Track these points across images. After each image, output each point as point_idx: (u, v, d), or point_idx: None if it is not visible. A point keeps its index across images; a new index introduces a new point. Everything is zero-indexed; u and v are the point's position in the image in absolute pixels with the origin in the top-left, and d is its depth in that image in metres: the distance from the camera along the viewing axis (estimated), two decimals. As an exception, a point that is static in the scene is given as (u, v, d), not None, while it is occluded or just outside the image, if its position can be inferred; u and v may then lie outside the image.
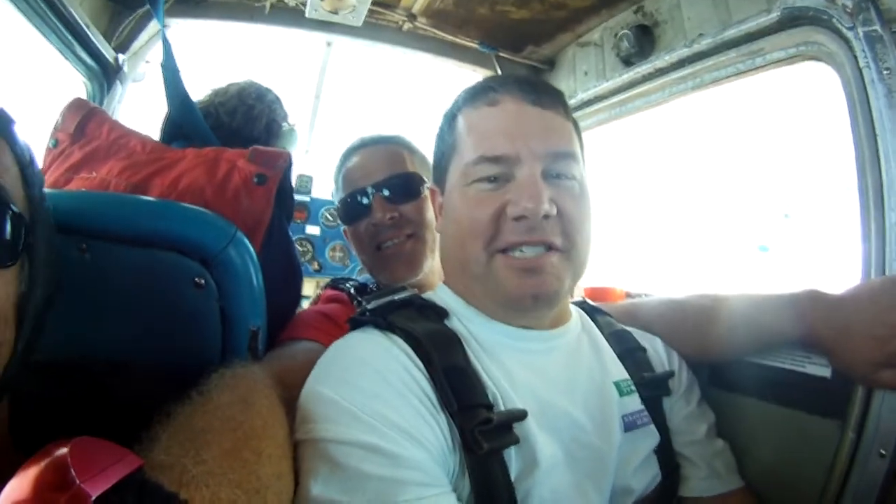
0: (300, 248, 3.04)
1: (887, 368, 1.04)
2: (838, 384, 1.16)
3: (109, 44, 2.18)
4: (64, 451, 0.51)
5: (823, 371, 1.20)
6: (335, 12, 2.34)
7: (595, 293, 2.08)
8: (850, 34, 1.32)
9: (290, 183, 1.38)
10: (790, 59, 1.60)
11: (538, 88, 1.11)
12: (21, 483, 0.48)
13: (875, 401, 1.11)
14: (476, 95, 1.14)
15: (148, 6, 1.60)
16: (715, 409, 1.27)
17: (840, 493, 1.14)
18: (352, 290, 1.67)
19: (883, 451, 1.09)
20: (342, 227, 1.79)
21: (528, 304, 1.02)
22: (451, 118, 1.17)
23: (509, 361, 1.03)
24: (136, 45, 2.27)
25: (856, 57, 1.31)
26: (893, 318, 1.03)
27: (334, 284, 1.77)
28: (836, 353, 1.12)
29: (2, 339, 0.61)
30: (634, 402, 1.13)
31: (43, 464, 0.50)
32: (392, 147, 1.71)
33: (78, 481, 0.48)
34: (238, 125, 1.55)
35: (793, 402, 1.26)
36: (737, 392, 1.34)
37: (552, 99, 1.11)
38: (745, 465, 1.23)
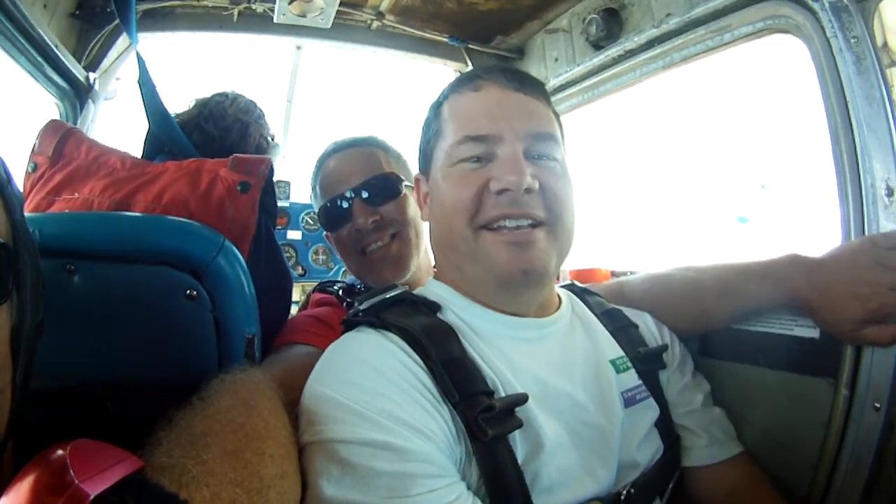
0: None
1: (871, 325, 1.08)
2: (827, 344, 1.19)
3: (79, 62, 2.15)
4: (63, 452, 0.51)
5: (812, 332, 1.23)
6: (303, 15, 2.33)
7: (581, 275, 2.09)
8: (815, 5, 1.34)
9: (273, 189, 1.37)
10: (758, 33, 1.61)
11: (521, 76, 1.14)
12: (19, 487, 0.48)
13: (865, 356, 1.14)
14: (461, 83, 1.16)
15: (117, 21, 1.57)
16: (708, 378, 1.30)
17: (839, 448, 1.17)
18: (340, 293, 1.67)
19: (877, 405, 1.12)
20: (324, 233, 1.77)
21: (519, 278, 1.03)
22: (436, 107, 1.19)
23: (506, 348, 1.04)
24: (105, 62, 2.25)
25: (823, 27, 1.33)
26: (873, 276, 1.06)
27: (322, 288, 1.77)
28: (820, 313, 1.15)
29: (3, 384, 0.59)
30: (632, 378, 1.15)
31: (41, 466, 0.50)
32: (367, 149, 1.69)
33: (76, 481, 0.48)
34: (232, 143, 1.55)
35: (784, 364, 1.29)
36: (728, 360, 1.37)
37: (534, 87, 1.14)
38: (742, 430, 1.25)
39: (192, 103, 1.62)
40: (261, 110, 1.69)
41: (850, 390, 1.16)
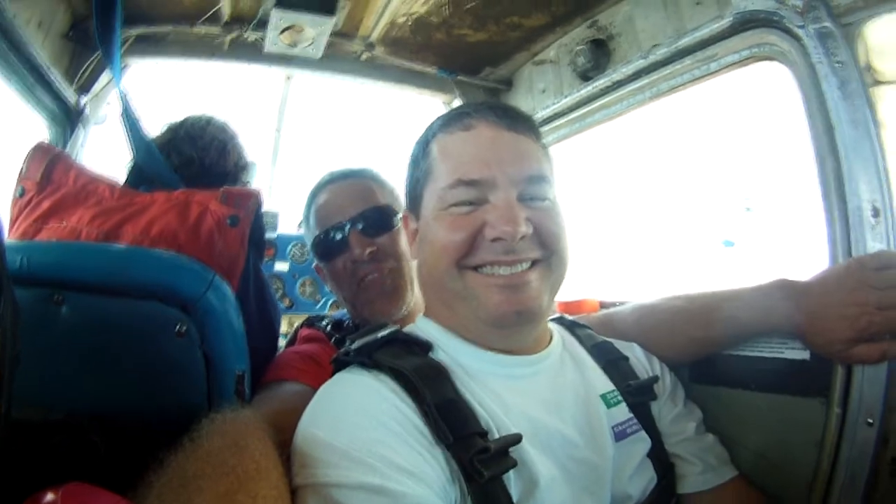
0: (270, 286, 2.99)
1: (860, 344, 1.09)
2: (818, 364, 1.21)
3: (71, 85, 2.14)
4: (54, 497, 0.50)
5: (802, 354, 1.24)
6: (294, 45, 2.34)
7: (569, 307, 2.09)
8: (801, 32, 1.37)
9: (262, 222, 1.37)
10: (744, 62, 1.64)
11: (512, 114, 1.13)
12: None
13: (856, 374, 1.16)
14: (450, 121, 1.15)
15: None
16: (700, 405, 1.31)
17: (833, 465, 1.18)
18: (328, 328, 1.66)
19: (870, 420, 1.14)
20: (313, 263, 1.76)
21: (512, 320, 1.03)
22: (424, 144, 1.18)
23: (498, 387, 1.03)
24: (97, 86, 2.24)
25: (808, 54, 1.35)
26: (860, 297, 1.08)
27: (310, 323, 1.75)
28: (810, 336, 1.17)
29: None
30: (622, 412, 1.15)
31: None
32: (361, 181, 1.69)
33: None
34: (211, 161, 1.54)
35: (776, 387, 1.29)
36: (720, 385, 1.37)
37: (525, 125, 1.13)
38: (736, 454, 1.26)
39: (165, 127, 1.60)
40: (234, 130, 1.68)
41: (843, 408, 1.18)
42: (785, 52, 1.45)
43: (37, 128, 2.15)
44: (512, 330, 1.07)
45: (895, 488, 1.13)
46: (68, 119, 2.21)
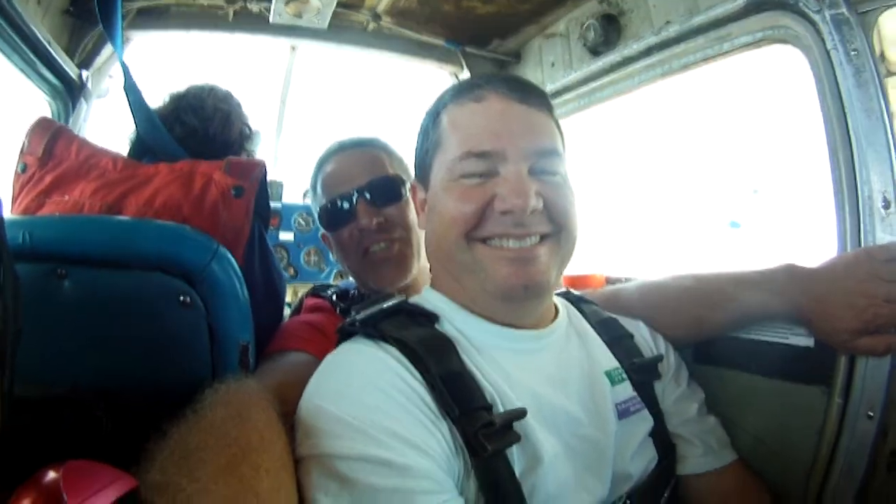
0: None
1: (865, 335, 1.10)
2: (822, 352, 1.21)
3: (72, 60, 2.12)
4: (56, 475, 0.50)
5: (807, 341, 1.24)
6: (299, 16, 2.31)
7: (575, 281, 2.08)
8: (817, 17, 1.34)
9: (267, 192, 1.36)
10: (757, 43, 1.61)
11: (524, 87, 1.11)
12: None
13: (859, 365, 1.16)
14: (462, 92, 1.13)
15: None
16: (703, 385, 1.31)
17: (831, 455, 1.19)
18: (334, 298, 1.66)
19: (871, 413, 1.14)
20: (320, 232, 1.76)
21: (520, 293, 1.02)
22: (434, 115, 1.16)
23: (503, 361, 1.03)
24: (99, 60, 2.21)
25: (823, 39, 1.33)
26: (868, 287, 1.08)
27: (315, 293, 1.75)
28: (816, 323, 1.17)
29: None
30: (626, 390, 1.15)
31: (35, 489, 0.49)
32: (370, 150, 1.68)
33: None
34: (215, 131, 1.52)
35: (779, 372, 1.30)
36: (723, 367, 1.38)
37: (538, 98, 1.11)
38: (736, 437, 1.26)
39: (167, 98, 1.58)
40: (238, 99, 1.66)
41: (844, 398, 1.18)
42: (800, 37, 1.42)
43: (38, 103, 2.14)
44: (519, 304, 1.06)
45: (893, 481, 1.14)
46: (70, 94, 2.19)
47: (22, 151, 1.31)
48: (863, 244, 1.25)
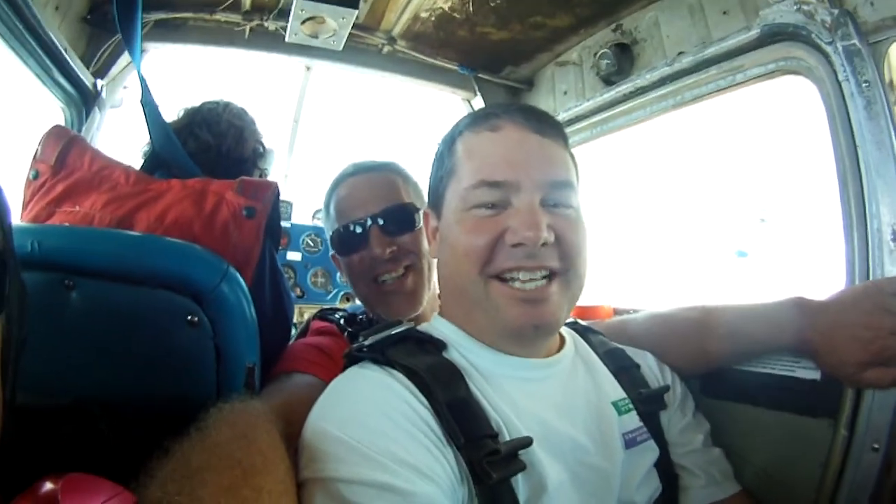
0: (282, 276, 3.00)
1: (872, 368, 1.09)
2: (829, 385, 1.20)
3: (88, 69, 2.14)
4: (54, 487, 0.50)
5: (813, 374, 1.23)
6: (315, 36, 2.33)
7: (583, 312, 2.08)
8: (829, 48, 1.35)
9: (279, 214, 1.35)
10: (770, 75, 1.62)
11: (541, 117, 1.11)
12: None
13: (865, 398, 1.16)
14: (477, 121, 1.13)
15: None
16: (708, 417, 1.29)
17: (836, 488, 1.18)
18: (341, 322, 1.64)
19: (876, 445, 1.14)
20: (330, 252, 1.73)
21: (530, 333, 1.03)
22: (450, 142, 1.16)
23: (511, 389, 1.02)
24: (114, 70, 2.24)
25: (835, 71, 1.34)
26: (875, 320, 1.07)
27: (322, 315, 1.73)
28: (823, 356, 1.16)
29: None
30: (633, 420, 1.13)
31: (32, 501, 0.49)
32: (386, 175, 1.66)
33: None
34: (228, 147, 1.52)
35: (785, 405, 1.29)
36: (729, 400, 1.36)
37: (554, 129, 1.11)
38: (741, 469, 1.24)
39: (181, 112, 1.59)
40: (252, 117, 1.66)
41: (850, 431, 1.18)
42: (812, 68, 1.44)
43: (53, 110, 2.14)
44: (529, 341, 1.07)
45: None
46: (84, 102, 2.20)
47: (35, 158, 1.31)
48: (871, 276, 1.25)
